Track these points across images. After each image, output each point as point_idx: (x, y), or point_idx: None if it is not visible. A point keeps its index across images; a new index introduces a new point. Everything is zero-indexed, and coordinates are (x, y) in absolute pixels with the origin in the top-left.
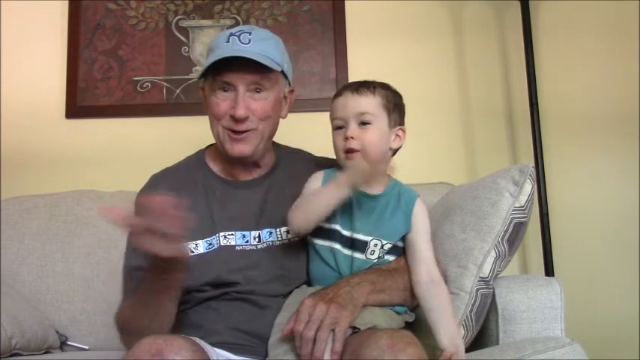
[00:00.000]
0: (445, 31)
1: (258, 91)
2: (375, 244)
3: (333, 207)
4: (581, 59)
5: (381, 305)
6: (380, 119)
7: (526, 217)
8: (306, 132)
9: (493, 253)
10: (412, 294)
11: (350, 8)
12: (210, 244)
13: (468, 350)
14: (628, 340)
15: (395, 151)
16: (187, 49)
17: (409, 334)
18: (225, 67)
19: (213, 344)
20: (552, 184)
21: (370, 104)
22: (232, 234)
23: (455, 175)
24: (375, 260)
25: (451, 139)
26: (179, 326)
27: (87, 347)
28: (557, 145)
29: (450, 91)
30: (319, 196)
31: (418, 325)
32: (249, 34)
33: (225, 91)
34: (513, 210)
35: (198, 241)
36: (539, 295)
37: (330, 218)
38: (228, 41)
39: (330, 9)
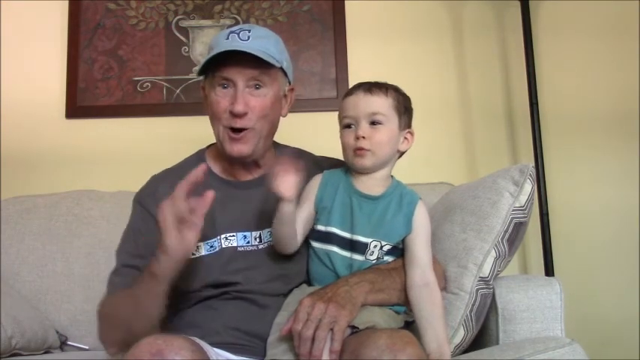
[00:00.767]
0: (445, 31)
1: (257, 87)
2: (375, 246)
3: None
4: (581, 59)
5: (380, 305)
6: (391, 120)
7: (526, 217)
8: (306, 132)
9: (493, 253)
10: None
11: (350, 8)
12: (212, 247)
13: (467, 350)
14: (628, 340)
15: (401, 154)
16: (187, 49)
17: (408, 334)
18: (225, 63)
19: (213, 344)
20: (552, 184)
21: (382, 105)
22: (234, 235)
23: (455, 175)
24: (374, 261)
25: (451, 139)
26: (178, 326)
27: (87, 347)
28: (557, 145)
29: (450, 91)
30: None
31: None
32: (249, 31)
33: (224, 87)
34: (513, 210)
35: (199, 244)
36: (539, 295)
37: (326, 220)
38: (227, 38)
39: (330, 9)
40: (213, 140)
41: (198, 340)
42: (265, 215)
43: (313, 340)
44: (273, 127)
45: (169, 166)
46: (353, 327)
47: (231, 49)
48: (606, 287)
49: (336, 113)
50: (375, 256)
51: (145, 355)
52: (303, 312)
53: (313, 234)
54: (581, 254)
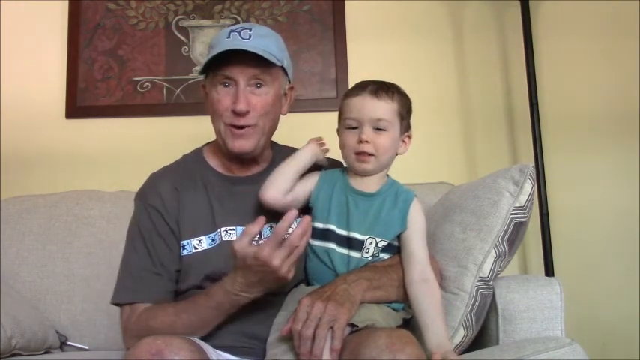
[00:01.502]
0: (445, 31)
1: (258, 85)
2: (371, 243)
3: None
4: (581, 59)
5: (378, 302)
6: (394, 126)
7: (526, 217)
8: (306, 132)
9: (493, 253)
10: None
11: (350, 8)
12: (213, 240)
13: (467, 350)
14: (628, 340)
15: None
16: (187, 49)
17: (407, 333)
18: (226, 62)
19: (213, 347)
20: (552, 184)
21: (388, 111)
22: (233, 229)
23: (455, 175)
24: (370, 258)
25: (451, 139)
26: None
27: (87, 347)
28: (557, 145)
29: (450, 91)
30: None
31: (416, 323)
32: (250, 30)
33: (225, 86)
34: (513, 210)
35: (201, 237)
36: (539, 295)
37: (325, 218)
38: (228, 37)
39: (330, 9)
40: (214, 139)
41: (198, 340)
42: (263, 211)
43: (313, 339)
44: (274, 125)
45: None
46: (352, 325)
47: (233, 49)
48: (606, 287)
49: (336, 113)
50: (370, 253)
51: (144, 355)
52: (302, 311)
53: (312, 232)
54: (581, 254)
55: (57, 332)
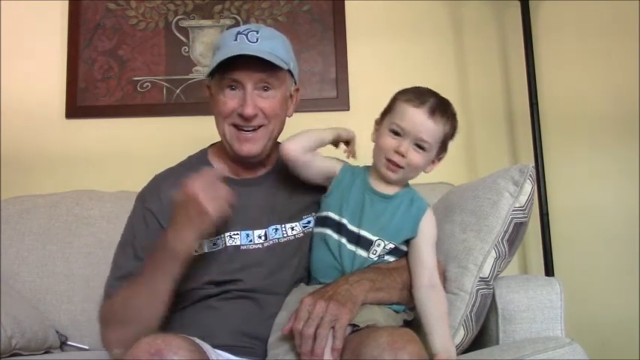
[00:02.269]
0: (445, 30)
1: (266, 89)
2: (379, 245)
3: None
4: (581, 59)
5: (380, 303)
6: (433, 149)
7: (526, 217)
8: None
9: (493, 253)
10: (410, 293)
11: (350, 8)
12: (215, 244)
13: (467, 350)
14: (628, 340)
15: None
16: (187, 49)
17: (409, 332)
18: (234, 65)
19: (214, 346)
20: (552, 184)
21: (435, 135)
22: (237, 233)
23: (455, 175)
24: (375, 259)
25: None
26: (178, 325)
27: (87, 347)
28: (557, 145)
29: (450, 91)
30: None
31: (417, 324)
32: (257, 32)
33: (232, 89)
34: (513, 210)
35: (201, 241)
36: (539, 295)
37: (339, 210)
38: (235, 39)
39: (330, 9)
40: (214, 140)
41: (197, 340)
42: (270, 212)
43: (315, 338)
44: (281, 128)
45: (169, 166)
46: (353, 325)
47: (243, 54)
48: (606, 287)
49: (336, 113)
50: (377, 255)
51: (143, 355)
52: (304, 311)
53: (327, 220)
54: (581, 254)
55: (57, 332)
